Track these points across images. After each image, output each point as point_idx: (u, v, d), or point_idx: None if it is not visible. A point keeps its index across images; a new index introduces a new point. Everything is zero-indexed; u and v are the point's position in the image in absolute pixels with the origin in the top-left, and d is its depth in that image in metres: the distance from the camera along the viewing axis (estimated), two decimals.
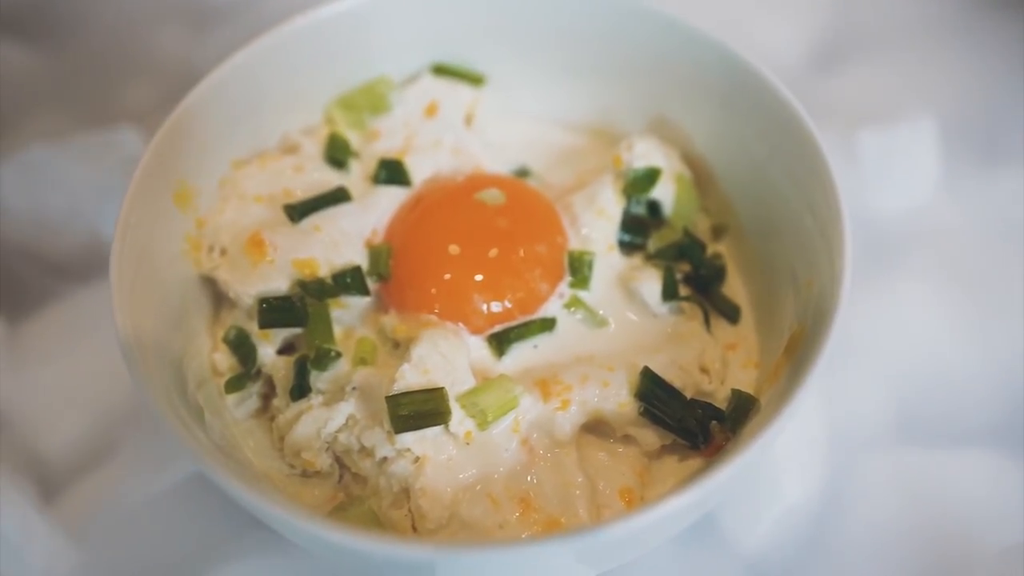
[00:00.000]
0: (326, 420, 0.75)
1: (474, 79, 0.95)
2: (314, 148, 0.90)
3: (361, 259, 0.83)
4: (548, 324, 0.81)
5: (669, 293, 0.83)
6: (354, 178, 0.89)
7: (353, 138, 0.91)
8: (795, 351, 0.75)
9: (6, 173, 1.00)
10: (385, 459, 0.74)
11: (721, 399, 0.79)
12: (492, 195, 0.84)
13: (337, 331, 0.81)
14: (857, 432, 0.87)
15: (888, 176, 1.00)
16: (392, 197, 0.87)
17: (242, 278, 0.81)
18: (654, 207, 0.88)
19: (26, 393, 0.89)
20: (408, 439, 0.73)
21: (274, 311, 0.79)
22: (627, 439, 0.78)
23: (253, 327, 0.80)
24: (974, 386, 0.90)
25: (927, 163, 1.01)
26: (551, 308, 0.82)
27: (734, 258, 0.89)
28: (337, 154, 0.89)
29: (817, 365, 0.67)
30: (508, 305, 0.81)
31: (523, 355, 0.80)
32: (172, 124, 0.80)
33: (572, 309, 0.83)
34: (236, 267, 0.82)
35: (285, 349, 0.82)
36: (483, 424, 0.74)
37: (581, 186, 0.89)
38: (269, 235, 0.82)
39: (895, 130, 1.01)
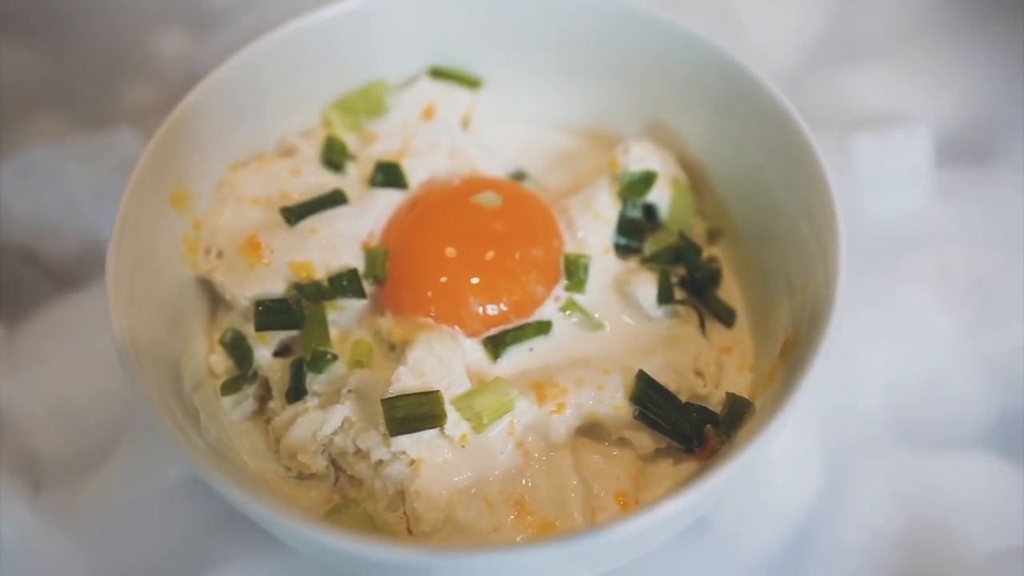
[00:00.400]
0: (322, 422, 0.75)
1: (471, 82, 0.95)
2: (311, 151, 0.90)
3: (357, 262, 0.83)
4: (544, 327, 0.81)
5: (664, 296, 0.83)
6: (351, 181, 0.89)
7: (350, 141, 0.91)
8: (790, 355, 0.75)
9: (4, 174, 1.00)
10: (381, 462, 0.74)
11: (716, 402, 0.80)
12: (488, 198, 0.85)
13: (333, 333, 0.81)
14: (852, 436, 0.87)
15: (883, 180, 1.00)
16: (389, 200, 0.87)
17: (238, 280, 0.81)
18: (650, 210, 0.88)
19: (23, 394, 0.89)
20: (404, 442, 0.73)
21: (270, 313, 0.79)
22: (622, 442, 0.78)
23: (249, 329, 0.80)
24: (969, 390, 0.90)
25: (922, 167, 1.01)
26: (547, 311, 0.82)
27: (729, 262, 0.89)
28: (334, 157, 0.89)
29: (812, 369, 0.67)
30: (504, 308, 0.81)
31: (519, 358, 0.80)
32: (170, 126, 0.80)
33: (568, 312, 0.83)
34: (232, 269, 0.82)
35: (281, 351, 0.82)
36: (479, 427, 0.74)
37: (577, 189, 0.89)
38: (266, 237, 0.82)
39: (890, 134, 1.01)
